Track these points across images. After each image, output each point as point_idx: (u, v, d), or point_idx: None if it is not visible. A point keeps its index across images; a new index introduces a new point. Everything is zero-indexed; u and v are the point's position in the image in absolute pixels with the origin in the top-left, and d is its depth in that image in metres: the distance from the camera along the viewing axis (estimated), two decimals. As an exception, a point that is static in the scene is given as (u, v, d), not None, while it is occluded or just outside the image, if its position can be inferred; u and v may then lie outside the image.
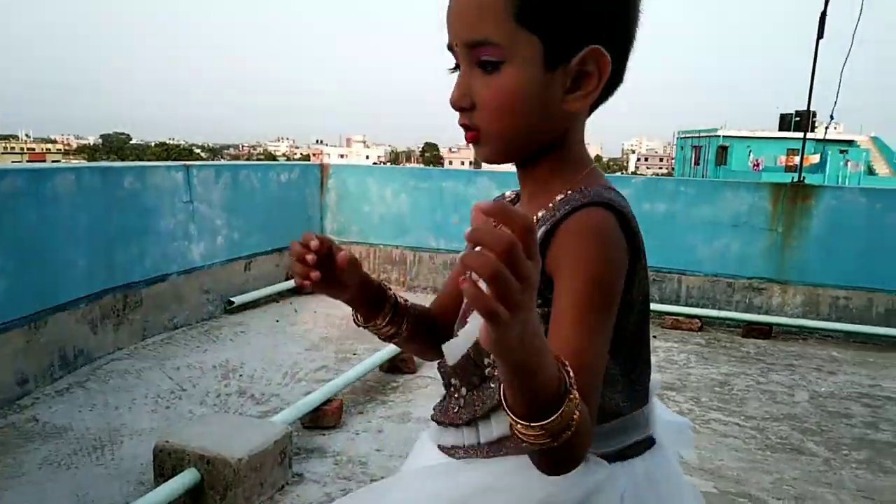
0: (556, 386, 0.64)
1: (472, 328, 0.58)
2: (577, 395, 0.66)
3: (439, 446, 0.94)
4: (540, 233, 0.81)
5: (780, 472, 2.92)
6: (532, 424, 0.65)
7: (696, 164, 42.70)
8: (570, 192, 0.86)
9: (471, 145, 0.88)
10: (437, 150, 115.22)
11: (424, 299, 4.87)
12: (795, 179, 5.39)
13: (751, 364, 4.41)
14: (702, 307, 5.37)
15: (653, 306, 5.45)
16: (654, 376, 0.98)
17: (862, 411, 3.65)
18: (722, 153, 39.52)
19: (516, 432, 0.67)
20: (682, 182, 5.74)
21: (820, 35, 4.98)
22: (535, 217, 0.86)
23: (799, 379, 4.13)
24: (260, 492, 2.51)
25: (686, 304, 5.42)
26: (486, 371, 0.88)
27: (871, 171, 35.83)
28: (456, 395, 0.93)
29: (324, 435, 3.09)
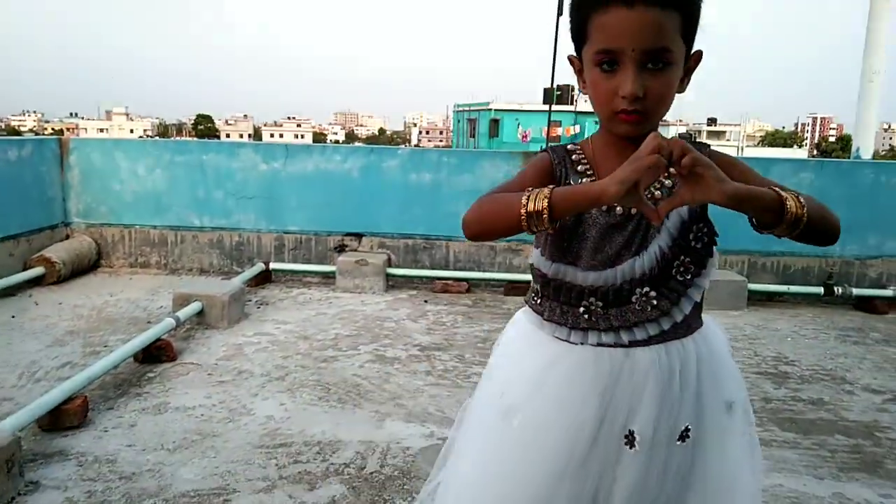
0: (776, 195, 1.07)
1: (652, 252, 1.19)
2: (791, 194, 1.09)
3: (630, 342, 1.20)
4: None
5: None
6: (782, 225, 1.07)
7: (472, 136, 44.63)
8: None
9: (627, 124, 1.15)
10: (212, 121, 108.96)
11: (190, 282, 4.55)
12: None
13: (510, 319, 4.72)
14: (468, 270, 5.65)
15: (423, 272, 5.63)
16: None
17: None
18: (494, 126, 41.65)
19: (785, 236, 1.10)
20: (444, 153, 5.96)
21: (560, 12, 5.37)
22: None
23: (551, 330, 4.50)
24: (-18, 510, 2.22)
25: (454, 269, 5.67)
26: (673, 272, 1.20)
27: (620, 140, 39.83)
28: (645, 299, 1.20)
29: (66, 436, 2.81)
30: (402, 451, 2.75)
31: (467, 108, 46.53)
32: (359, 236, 5.77)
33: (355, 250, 5.73)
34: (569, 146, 1.29)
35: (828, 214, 1.14)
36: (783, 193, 1.08)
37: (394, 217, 5.72)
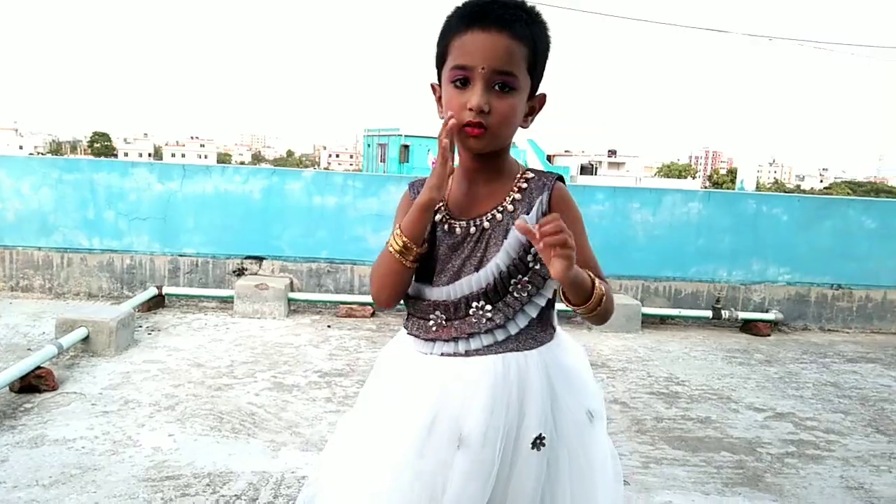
0: (590, 284, 1.23)
1: (489, 269, 1.29)
2: (600, 283, 1.25)
3: (466, 351, 1.31)
4: (543, 197, 1.32)
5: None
6: (585, 305, 1.24)
7: (383, 161, 44.61)
8: (530, 174, 1.35)
9: (472, 138, 1.26)
10: (110, 139, 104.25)
11: (76, 307, 4.29)
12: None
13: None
14: (373, 295, 5.60)
15: (326, 297, 5.55)
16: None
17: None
18: (405, 151, 41.79)
19: (576, 311, 1.25)
20: (350, 176, 5.93)
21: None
22: (517, 188, 1.33)
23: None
24: None
25: (359, 293, 5.62)
26: (510, 289, 1.30)
27: (527, 169, 40.85)
28: (480, 312, 1.30)
29: (-74, 476, 2.57)
30: (297, 480, 2.67)
31: (377, 133, 46.55)
32: (259, 259, 5.63)
33: (255, 274, 5.59)
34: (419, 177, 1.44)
35: (612, 307, 1.30)
36: (598, 287, 1.25)
37: (297, 240, 5.63)
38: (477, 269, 1.31)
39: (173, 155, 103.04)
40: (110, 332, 4.05)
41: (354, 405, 1.48)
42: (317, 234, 5.61)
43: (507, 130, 1.29)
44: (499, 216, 1.32)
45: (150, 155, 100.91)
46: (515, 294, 1.30)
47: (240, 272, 5.60)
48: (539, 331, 1.34)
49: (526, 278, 1.30)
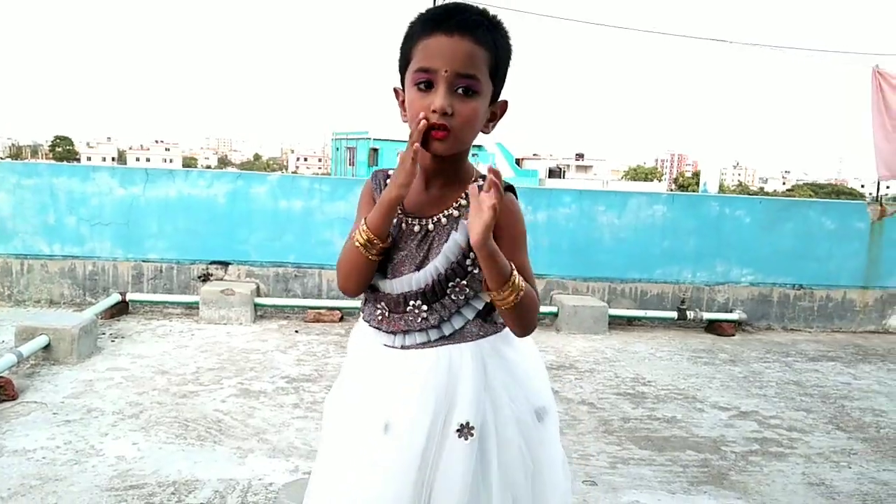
0: (509, 269, 1.26)
1: (428, 271, 1.32)
2: (519, 277, 1.27)
3: (402, 346, 1.35)
4: None
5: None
6: (501, 290, 1.25)
7: (352, 164, 44.38)
8: (481, 181, 1.33)
9: (436, 141, 1.27)
10: (72, 143, 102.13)
11: (36, 314, 4.19)
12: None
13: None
14: (342, 299, 5.57)
15: (294, 302, 5.49)
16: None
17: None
18: (373, 154, 41.64)
19: (494, 300, 1.28)
20: (316, 180, 5.90)
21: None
22: (465, 194, 1.33)
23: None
24: None
25: (328, 297, 5.59)
26: (447, 292, 1.33)
27: (495, 172, 41.02)
28: (416, 311, 1.34)
29: None
30: (263, 487, 2.64)
31: (346, 137, 46.31)
32: (225, 265, 5.57)
33: (221, 279, 5.52)
34: (390, 170, 1.42)
35: (534, 311, 1.32)
36: (515, 275, 1.27)
37: (263, 245, 5.57)
38: (418, 269, 1.34)
39: (137, 159, 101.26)
40: (72, 340, 3.97)
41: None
42: (283, 239, 5.57)
43: (470, 134, 1.31)
44: (444, 220, 1.35)
45: (113, 159, 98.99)
46: (453, 297, 1.34)
47: (205, 277, 5.53)
48: (477, 329, 1.36)
49: (464, 282, 1.33)
